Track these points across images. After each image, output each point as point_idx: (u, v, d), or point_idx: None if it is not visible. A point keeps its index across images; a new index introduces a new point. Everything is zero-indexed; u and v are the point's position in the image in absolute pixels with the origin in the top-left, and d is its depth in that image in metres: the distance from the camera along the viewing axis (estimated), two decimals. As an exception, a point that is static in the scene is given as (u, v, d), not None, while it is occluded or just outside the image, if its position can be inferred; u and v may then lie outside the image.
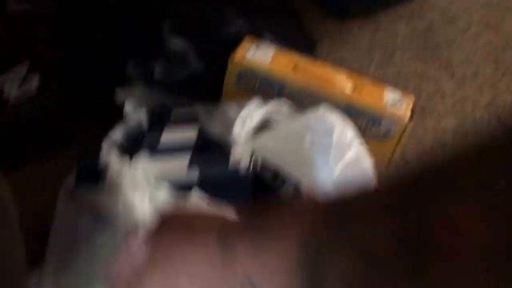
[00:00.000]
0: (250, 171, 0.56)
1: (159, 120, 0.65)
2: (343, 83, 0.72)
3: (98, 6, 0.76)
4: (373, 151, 0.65)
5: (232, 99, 0.67)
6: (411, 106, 0.72)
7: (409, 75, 0.99)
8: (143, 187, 0.50)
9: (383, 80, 0.96)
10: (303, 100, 0.71)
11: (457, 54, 1.03)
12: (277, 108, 0.65)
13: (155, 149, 0.60)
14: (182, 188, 0.54)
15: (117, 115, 0.69)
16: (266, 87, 0.70)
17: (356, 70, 0.97)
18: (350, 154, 0.59)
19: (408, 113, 0.71)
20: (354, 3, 1.05)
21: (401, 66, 1.00)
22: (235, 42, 0.74)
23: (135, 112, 0.65)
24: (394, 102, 0.70)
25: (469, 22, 1.09)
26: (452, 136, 0.91)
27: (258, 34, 0.78)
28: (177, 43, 0.74)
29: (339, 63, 0.98)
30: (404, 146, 0.87)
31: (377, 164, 0.68)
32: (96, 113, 0.79)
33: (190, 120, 0.65)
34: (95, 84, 0.76)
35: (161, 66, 0.73)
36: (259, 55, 0.70)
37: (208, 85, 0.72)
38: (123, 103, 0.68)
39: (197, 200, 0.51)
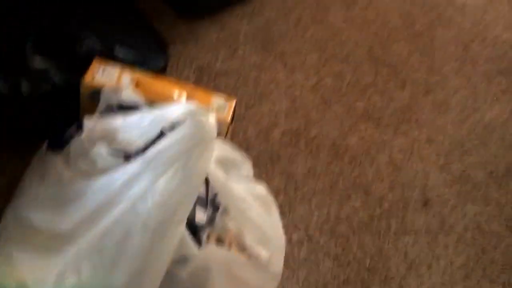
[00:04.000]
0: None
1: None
2: (179, 93, 0.84)
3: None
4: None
5: (90, 113, 0.79)
6: (232, 109, 0.86)
7: (249, 67, 1.18)
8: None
9: (227, 72, 1.16)
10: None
11: (289, 46, 1.24)
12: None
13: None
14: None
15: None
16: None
17: (205, 65, 1.15)
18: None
19: (230, 116, 0.85)
20: (201, 5, 1.22)
21: (242, 60, 1.19)
22: (90, 57, 0.88)
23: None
24: (219, 107, 0.85)
25: (299, 17, 1.31)
26: (285, 116, 1.13)
27: (111, 48, 0.92)
28: (39, 60, 0.88)
29: (190, 61, 1.16)
30: (245, 128, 1.08)
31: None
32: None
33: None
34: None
35: (27, 82, 0.86)
36: (106, 75, 0.84)
37: (70, 97, 0.86)
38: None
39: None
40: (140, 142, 0.72)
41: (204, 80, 1.13)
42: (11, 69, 0.88)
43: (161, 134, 0.71)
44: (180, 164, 0.68)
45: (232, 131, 0.93)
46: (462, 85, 1.29)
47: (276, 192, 1.00)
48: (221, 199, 0.74)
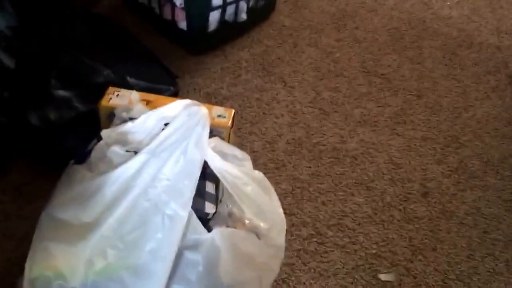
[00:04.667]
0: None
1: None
2: None
3: (2, 70, 1.02)
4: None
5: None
6: (232, 116, 0.96)
7: (252, 89, 1.30)
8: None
9: (233, 96, 1.28)
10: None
11: (287, 68, 1.37)
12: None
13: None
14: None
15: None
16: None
17: (212, 91, 1.28)
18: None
19: (230, 121, 0.95)
20: (205, 42, 1.36)
21: (245, 84, 1.31)
22: (107, 87, 1.01)
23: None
24: (220, 115, 0.95)
25: (295, 43, 1.43)
26: (287, 128, 1.23)
27: (124, 78, 1.06)
28: (63, 91, 1.02)
29: (198, 89, 1.29)
30: (252, 141, 1.19)
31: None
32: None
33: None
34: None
35: (54, 111, 1.00)
36: (119, 98, 0.97)
37: (92, 121, 0.99)
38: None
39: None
40: (147, 140, 0.82)
41: (212, 104, 1.25)
42: (39, 102, 1.03)
43: (164, 129, 0.81)
44: (180, 149, 0.78)
45: (240, 144, 1.04)
46: (452, 87, 1.38)
47: (284, 195, 1.10)
48: (219, 177, 0.83)
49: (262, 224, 0.82)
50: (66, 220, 0.80)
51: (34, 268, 0.79)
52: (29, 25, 1.09)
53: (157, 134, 0.80)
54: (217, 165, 0.80)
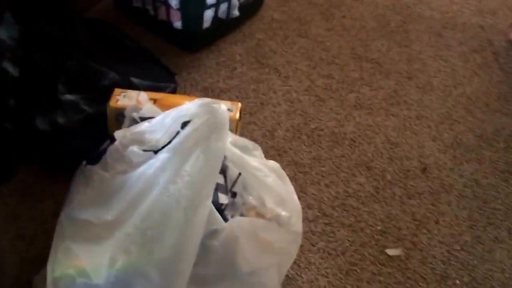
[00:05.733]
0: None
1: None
2: (190, 101, 0.98)
3: (7, 79, 1.04)
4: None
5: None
6: (239, 109, 1.00)
7: (248, 81, 1.33)
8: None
9: (230, 89, 1.31)
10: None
11: (280, 60, 1.40)
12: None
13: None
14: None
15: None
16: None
17: (209, 85, 1.30)
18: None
19: (237, 115, 0.99)
20: (198, 39, 1.39)
21: (241, 77, 1.34)
22: (112, 89, 1.03)
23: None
24: (227, 109, 0.98)
25: (286, 35, 1.47)
26: (285, 116, 1.26)
27: (128, 80, 1.08)
28: (70, 95, 1.04)
29: (195, 84, 1.31)
30: (251, 131, 1.21)
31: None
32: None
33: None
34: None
35: (62, 115, 1.02)
36: (126, 99, 0.99)
37: (99, 123, 1.01)
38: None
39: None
40: (165, 138, 0.83)
41: (210, 97, 1.27)
42: (47, 107, 1.04)
43: (182, 127, 0.82)
44: (201, 147, 0.78)
45: (241, 134, 1.06)
46: (441, 67, 1.42)
47: (288, 180, 1.12)
48: (239, 170, 0.85)
49: (283, 213, 0.84)
50: (87, 220, 0.81)
51: (56, 268, 0.80)
52: (31, 33, 1.11)
53: (175, 133, 0.81)
54: (237, 159, 0.82)
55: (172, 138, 0.83)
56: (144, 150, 0.82)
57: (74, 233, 0.84)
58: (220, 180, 0.90)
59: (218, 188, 0.89)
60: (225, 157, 0.85)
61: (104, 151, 0.89)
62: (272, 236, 0.85)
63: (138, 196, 0.80)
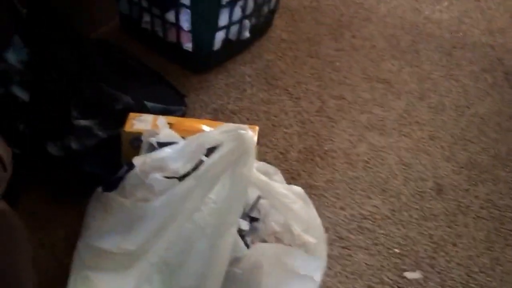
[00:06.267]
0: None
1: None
2: (206, 127, 0.96)
3: (16, 103, 1.03)
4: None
5: (131, 158, 0.89)
6: (256, 133, 0.98)
7: (258, 103, 1.32)
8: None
9: (240, 110, 1.30)
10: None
11: (291, 80, 1.39)
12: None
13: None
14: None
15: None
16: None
17: (219, 107, 1.29)
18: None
19: (255, 139, 0.96)
20: (206, 61, 1.38)
21: (251, 98, 1.33)
22: (125, 113, 1.02)
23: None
24: None
25: (295, 55, 1.46)
26: (298, 138, 1.25)
27: (141, 103, 1.07)
28: (83, 120, 1.03)
29: (205, 105, 1.30)
30: (264, 153, 1.20)
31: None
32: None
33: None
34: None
35: (75, 140, 1.01)
36: (142, 123, 0.97)
37: (112, 149, 0.99)
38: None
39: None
40: (188, 166, 0.81)
41: (220, 119, 1.26)
42: (59, 132, 1.03)
43: (207, 154, 0.80)
44: (228, 174, 0.77)
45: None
46: (452, 87, 1.41)
47: (302, 202, 1.11)
48: (265, 196, 0.84)
49: (311, 240, 0.83)
50: (107, 249, 0.79)
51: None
52: (41, 56, 1.10)
53: (199, 160, 0.80)
54: (263, 185, 0.81)
55: (196, 165, 0.81)
56: (167, 177, 0.81)
57: (93, 262, 0.83)
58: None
59: None
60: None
61: (122, 177, 0.87)
62: (296, 263, 0.84)
63: (162, 225, 0.79)
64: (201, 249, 0.77)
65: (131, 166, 0.86)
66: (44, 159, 1.04)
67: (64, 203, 1.06)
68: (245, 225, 0.87)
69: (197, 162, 0.81)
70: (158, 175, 0.81)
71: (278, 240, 0.88)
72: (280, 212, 0.84)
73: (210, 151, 0.79)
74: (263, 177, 0.81)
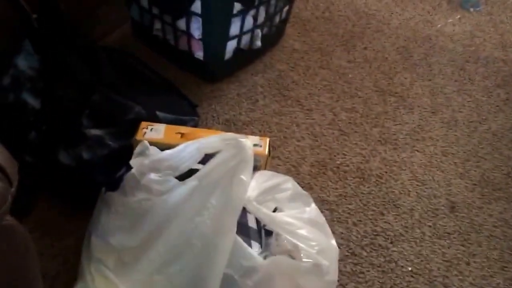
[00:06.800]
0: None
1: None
2: None
3: (27, 110, 1.02)
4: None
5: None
6: (267, 144, 0.98)
7: (270, 114, 1.31)
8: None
9: (252, 122, 1.28)
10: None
11: (303, 92, 1.38)
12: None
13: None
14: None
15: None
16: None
17: (231, 118, 1.28)
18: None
19: (267, 150, 0.97)
20: (221, 69, 1.37)
21: (263, 109, 1.32)
22: (136, 123, 1.01)
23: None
24: (256, 144, 0.97)
25: (307, 66, 1.45)
26: (310, 151, 1.24)
27: (153, 113, 1.06)
28: (95, 130, 1.01)
29: (217, 116, 1.29)
30: (276, 166, 1.19)
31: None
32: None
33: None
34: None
35: (86, 150, 1.00)
36: (154, 132, 0.98)
37: (124, 159, 0.98)
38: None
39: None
40: (184, 167, 0.83)
41: (231, 130, 1.25)
42: (71, 141, 1.02)
43: (205, 158, 0.82)
44: (227, 180, 0.79)
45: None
46: (465, 102, 1.40)
47: (314, 217, 1.10)
48: (271, 228, 0.84)
49: (323, 262, 0.82)
50: (113, 244, 0.82)
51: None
52: (51, 64, 1.09)
53: (195, 164, 0.82)
54: (266, 217, 0.81)
55: (195, 167, 0.83)
56: (163, 175, 0.82)
57: (101, 255, 0.84)
58: (253, 222, 0.88)
59: (251, 234, 0.87)
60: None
61: (122, 178, 0.88)
62: (310, 284, 0.83)
63: (162, 224, 0.80)
64: (200, 252, 0.77)
65: (128, 167, 0.87)
66: (56, 168, 1.03)
67: (77, 214, 1.05)
68: (256, 247, 0.86)
69: (193, 165, 0.82)
70: (153, 176, 0.83)
71: (292, 257, 0.86)
72: (287, 238, 0.83)
73: (208, 157, 0.81)
74: (264, 210, 0.81)
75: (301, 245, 0.82)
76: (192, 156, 0.84)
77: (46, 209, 1.07)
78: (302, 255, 0.82)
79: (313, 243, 0.82)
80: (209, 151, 0.83)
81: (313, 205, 0.90)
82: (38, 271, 0.62)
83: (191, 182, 0.79)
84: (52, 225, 1.04)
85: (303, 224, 0.85)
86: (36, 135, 1.06)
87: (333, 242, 0.89)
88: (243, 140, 0.80)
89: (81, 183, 1.03)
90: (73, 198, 1.08)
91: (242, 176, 0.79)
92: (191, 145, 0.85)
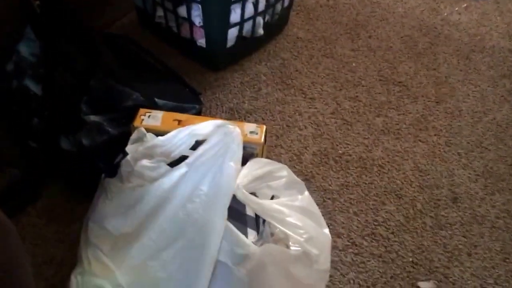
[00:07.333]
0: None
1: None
2: None
3: (29, 97, 1.02)
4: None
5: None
6: (264, 132, 0.97)
7: (274, 103, 1.30)
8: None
9: (255, 110, 1.28)
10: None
11: (306, 80, 1.37)
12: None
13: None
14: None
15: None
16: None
17: (234, 106, 1.28)
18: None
19: (263, 138, 0.96)
20: (224, 57, 1.36)
21: (266, 98, 1.32)
22: (136, 109, 1.01)
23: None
24: (252, 132, 0.96)
25: (311, 55, 1.44)
26: (312, 140, 1.24)
27: (152, 100, 1.06)
28: (94, 116, 1.01)
29: (220, 104, 1.29)
30: (278, 154, 1.19)
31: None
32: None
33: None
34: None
35: (86, 136, 1.00)
36: (151, 119, 0.97)
37: (122, 144, 0.98)
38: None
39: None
40: (177, 153, 0.84)
41: (235, 119, 1.25)
42: (71, 128, 1.02)
43: (196, 144, 0.83)
44: (217, 165, 0.79)
45: (267, 158, 1.04)
46: (470, 92, 1.39)
47: (315, 207, 1.10)
48: (261, 216, 0.84)
49: (314, 251, 0.81)
50: (110, 229, 0.83)
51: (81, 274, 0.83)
52: (53, 51, 1.09)
53: (187, 150, 0.83)
54: (255, 205, 0.81)
55: (187, 153, 0.84)
56: (155, 162, 0.83)
57: (98, 240, 0.85)
58: (250, 211, 0.88)
59: (248, 222, 0.87)
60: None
61: (118, 164, 0.89)
62: (301, 272, 0.83)
63: (154, 209, 0.81)
64: (192, 240, 0.78)
65: (124, 154, 0.88)
66: (58, 154, 1.03)
67: (82, 199, 1.05)
68: (253, 236, 0.86)
69: (185, 152, 0.84)
70: (145, 162, 0.84)
71: (286, 246, 0.86)
72: (276, 226, 0.83)
73: (199, 144, 0.82)
74: (252, 197, 0.81)
75: (289, 233, 0.82)
76: (184, 142, 0.85)
77: (53, 196, 1.07)
78: (290, 243, 0.82)
79: (302, 231, 0.82)
80: (201, 137, 0.84)
81: (306, 193, 0.89)
82: (26, 264, 0.61)
83: (181, 168, 0.80)
84: (59, 212, 1.05)
85: (292, 212, 0.85)
86: (39, 121, 1.06)
87: (326, 231, 0.89)
88: (231, 126, 0.81)
89: (82, 169, 1.03)
90: (77, 184, 1.08)
91: (231, 163, 0.80)
92: (183, 131, 0.86)
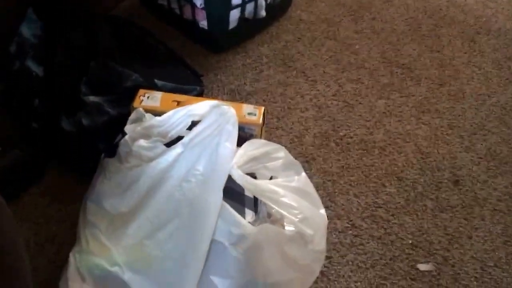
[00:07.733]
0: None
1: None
2: None
3: (31, 78, 1.02)
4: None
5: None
6: (262, 114, 0.97)
7: (275, 85, 1.30)
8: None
9: (256, 92, 1.27)
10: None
11: (308, 62, 1.36)
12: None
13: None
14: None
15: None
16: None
17: (236, 88, 1.27)
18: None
19: (261, 119, 0.96)
20: (226, 39, 1.35)
21: (268, 80, 1.31)
22: (135, 90, 1.01)
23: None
24: (251, 113, 0.97)
25: (314, 37, 1.43)
26: (313, 122, 1.23)
27: (152, 81, 1.06)
28: (94, 97, 1.01)
29: (222, 86, 1.28)
30: (279, 136, 1.18)
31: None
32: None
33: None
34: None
35: (86, 117, 1.00)
36: (151, 100, 0.98)
37: (122, 125, 0.98)
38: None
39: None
40: (174, 133, 0.84)
41: (236, 100, 1.25)
42: (72, 109, 1.02)
43: (192, 125, 0.83)
44: (212, 145, 0.80)
45: (269, 140, 1.03)
46: (474, 74, 1.38)
47: (316, 188, 1.08)
48: (256, 196, 0.84)
49: (308, 231, 0.81)
50: (107, 209, 0.84)
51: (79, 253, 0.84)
52: (54, 32, 1.09)
53: (184, 130, 0.83)
54: (249, 185, 0.81)
55: (183, 133, 0.84)
56: (152, 142, 0.84)
57: (96, 219, 0.85)
58: (249, 192, 0.88)
59: (246, 203, 0.87)
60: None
61: (118, 145, 0.89)
62: (295, 252, 0.83)
63: (151, 189, 0.82)
64: (188, 219, 0.78)
65: (123, 134, 0.88)
66: (59, 135, 1.03)
67: (84, 180, 1.05)
68: (250, 216, 0.86)
69: (181, 132, 0.84)
70: (142, 142, 0.84)
71: (282, 226, 0.86)
72: (271, 206, 0.83)
73: (194, 124, 0.82)
74: (247, 177, 0.81)
75: (284, 213, 0.82)
76: (181, 122, 0.85)
77: (55, 176, 1.08)
78: (285, 223, 0.82)
79: (296, 212, 0.82)
80: (197, 118, 0.84)
81: (303, 174, 0.89)
82: (18, 239, 0.61)
83: (177, 148, 0.80)
84: (61, 191, 1.06)
85: (287, 192, 0.84)
86: (40, 102, 1.06)
87: (322, 211, 0.89)
88: (225, 107, 0.81)
89: (83, 149, 1.04)
90: (78, 164, 1.08)
91: (227, 143, 0.80)
92: (180, 112, 0.86)
